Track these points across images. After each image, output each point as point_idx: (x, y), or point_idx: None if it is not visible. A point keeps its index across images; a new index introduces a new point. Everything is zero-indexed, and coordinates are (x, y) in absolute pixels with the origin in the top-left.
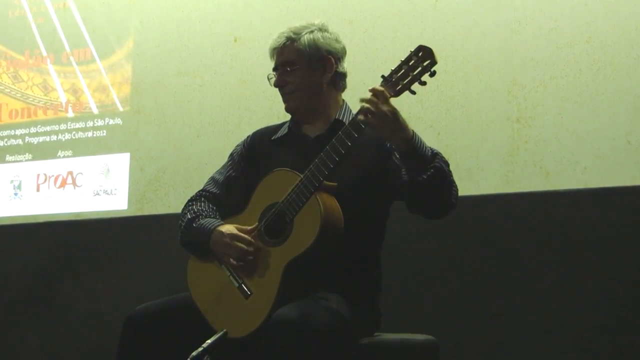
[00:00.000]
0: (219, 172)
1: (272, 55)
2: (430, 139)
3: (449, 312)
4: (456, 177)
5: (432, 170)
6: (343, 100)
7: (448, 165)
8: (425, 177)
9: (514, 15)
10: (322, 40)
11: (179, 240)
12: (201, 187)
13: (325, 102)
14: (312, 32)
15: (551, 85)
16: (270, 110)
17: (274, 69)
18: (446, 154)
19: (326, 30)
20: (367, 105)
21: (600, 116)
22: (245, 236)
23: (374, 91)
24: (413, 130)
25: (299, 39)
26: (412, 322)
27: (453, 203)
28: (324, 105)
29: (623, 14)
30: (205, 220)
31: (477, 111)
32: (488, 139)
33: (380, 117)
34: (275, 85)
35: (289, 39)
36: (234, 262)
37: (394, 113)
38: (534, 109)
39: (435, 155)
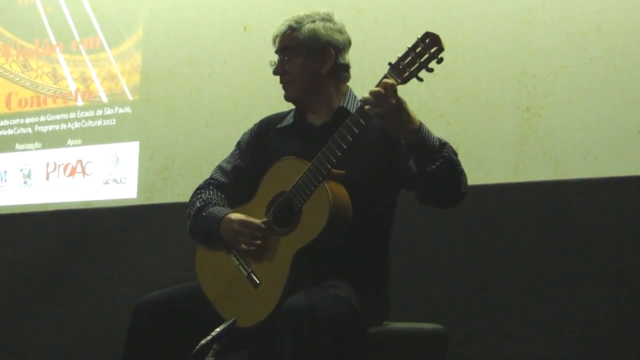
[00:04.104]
0: (226, 160)
1: (273, 42)
2: (439, 128)
3: (458, 301)
4: (465, 167)
5: (441, 160)
6: (348, 87)
7: (456, 154)
8: (434, 167)
9: (524, 4)
10: (322, 30)
11: (188, 229)
12: (209, 176)
13: (326, 92)
14: (313, 21)
15: (561, 75)
16: (280, 99)
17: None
18: (456, 143)
19: (330, 20)
20: (374, 96)
21: (610, 105)
22: (254, 222)
23: (383, 84)
24: (420, 121)
25: (300, 28)
26: (421, 311)
27: (462, 192)
28: (324, 96)
29: (634, 2)
30: (215, 208)
31: (487, 100)
32: (498, 128)
33: (388, 108)
34: (274, 72)
35: (290, 27)
36: (244, 248)
37: (401, 104)
38: (544, 98)
39: (444, 145)
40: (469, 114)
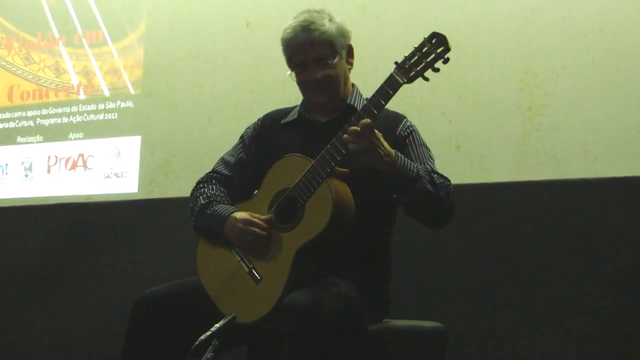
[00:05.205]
0: (229, 153)
1: (296, 52)
2: (441, 126)
3: (458, 299)
4: (467, 165)
5: (415, 193)
6: (354, 85)
7: (434, 184)
8: (408, 198)
9: (527, 3)
10: (343, 27)
11: (192, 225)
12: (211, 168)
13: (347, 89)
14: (330, 20)
15: (563, 74)
16: (282, 95)
17: (298, 66)
18: (457, 142)
19: (333, 17)
20: (351, 134)
21: (612, 105)
22: (259, 221)
23: (361, 124)
24: (396, 153)
25: (327, 30)
26: (421, 309)
27: (446, 218)
28: (346, 93)
29: (637, 3)
30: (219, 206)
31: (489, 99)
32: (499, 127)
33: (364, 146)
34: (312, 82)
35: (317, 31)
36: (248, 247)
37: (376, 142)
38: (546, 98)
39: (420, 177)
40: (471, 112)
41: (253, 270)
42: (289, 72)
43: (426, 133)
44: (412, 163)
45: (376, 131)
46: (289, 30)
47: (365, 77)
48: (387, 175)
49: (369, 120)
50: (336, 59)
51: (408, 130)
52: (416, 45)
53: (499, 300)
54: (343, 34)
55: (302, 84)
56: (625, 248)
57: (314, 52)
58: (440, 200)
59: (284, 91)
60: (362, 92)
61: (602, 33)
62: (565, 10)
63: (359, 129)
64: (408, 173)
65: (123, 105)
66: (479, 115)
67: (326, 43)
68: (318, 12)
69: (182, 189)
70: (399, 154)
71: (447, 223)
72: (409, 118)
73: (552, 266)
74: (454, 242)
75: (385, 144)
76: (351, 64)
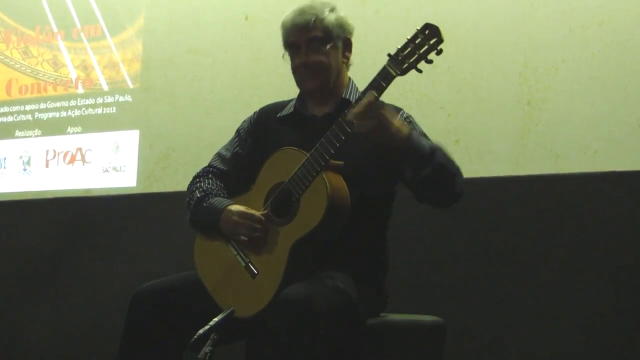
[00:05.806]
0: (225, 148)
1: (291, 33)
2: (440, 120)
3: (457, 293)
4: (466, 159)
5: (431, 167)
6: (349, 78)
7: (447, 157)
8: (425, 174)
9: None
10: (344, 20)
11: (188, 219)
12: (207, 163)
13: (341, 82)
14: (332, 10)
15: (563, 68)
16: (281, 89)
17: (292, 47)
18: (456, 136)
19: (337, 10)
20: (356, 116)
21: (611, 100)
22: (254, 213)
23: (363, 103)
24: (409, 129)
25: (325, 18)
26: (419, 304)
27: (458, 193)
28: (339, 85)
29: None
30: (215, 199)
31: (488, 93)
32: (499, 121)
33: (371, 124)
34: (302, 64)
35: (315, 16)
36: (244, 239)
37: (385, 118)
38: (545, 92)
39: (434, 151)
40: (470, 106)
41: (249, 264)
42: (283, 52)
43: (425, 127)
44: (422, 138)
45: (386, 104)
46: (289, 14)
47: (364, 71)
48: (400, 152)
49: (371, 98)
50: (329, 46)
51: (406, 122)
52: (409, 37)
53: (497, 294)
54: (342, 25)
55: (293, 67)
56: (625, 242)
57: (308, 35)
58: (453, 175)
59: (283, 85)
60: (361, 86)
61: (602, 27)
62: (564, 4)
63: (361, 109)
64: (423, 148)
65: (121, 99)
66: (478, 109)
67: (321, 28)
68: (322, 2)
69: (181, 183)
70: (411, 130)
71: (456, 202)
72: (407, 111)
73: (551, 260)
74: (453, 236)
75: (394, 122)
76: (347, 58)
